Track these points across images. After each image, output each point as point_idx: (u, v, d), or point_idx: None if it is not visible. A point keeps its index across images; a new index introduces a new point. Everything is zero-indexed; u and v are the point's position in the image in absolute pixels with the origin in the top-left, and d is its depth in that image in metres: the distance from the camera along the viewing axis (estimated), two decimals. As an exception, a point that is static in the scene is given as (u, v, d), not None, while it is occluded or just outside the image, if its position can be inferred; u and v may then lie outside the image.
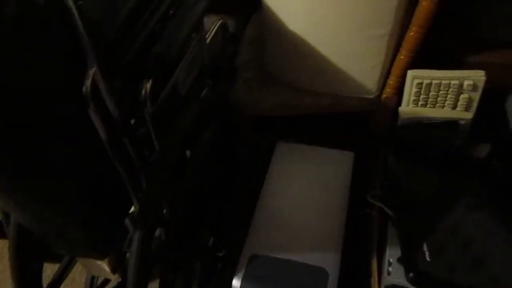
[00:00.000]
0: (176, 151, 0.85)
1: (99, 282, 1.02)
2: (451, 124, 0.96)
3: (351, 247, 0.89)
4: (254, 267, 0.83)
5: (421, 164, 0.94)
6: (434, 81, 0.92)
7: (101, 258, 0.80)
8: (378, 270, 0.85)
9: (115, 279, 0.88)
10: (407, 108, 0.97)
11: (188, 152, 0.95)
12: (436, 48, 1.01)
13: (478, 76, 0.91)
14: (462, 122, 0.96)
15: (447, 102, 0.95)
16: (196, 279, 1.03)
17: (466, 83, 0.91)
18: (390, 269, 0.82)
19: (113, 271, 0.93)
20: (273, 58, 1.11)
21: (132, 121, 0.79)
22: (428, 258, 0.75)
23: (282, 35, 1.01)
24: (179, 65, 0.85)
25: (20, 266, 0.83)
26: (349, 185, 0.97)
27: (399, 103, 0.99)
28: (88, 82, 0.64)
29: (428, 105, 0.96)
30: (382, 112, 1.06)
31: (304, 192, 0.95)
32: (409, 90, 0.95)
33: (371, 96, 1.05)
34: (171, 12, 0.84)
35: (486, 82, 0.91)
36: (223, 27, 1.06)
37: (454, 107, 0.95)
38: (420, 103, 0.96)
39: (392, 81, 1.01)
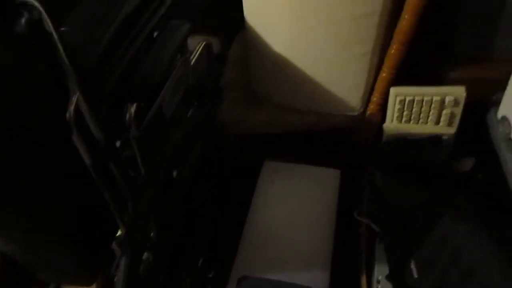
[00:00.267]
0: (162, 173, 0.85)
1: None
2: (434, 139, 0.97)
3: (340, 265, 0.89)
4: (243, 289, 0.83)
5: (407, 179, 0.95)
6: (416, 98, 0.93)
7: (88, 284, 0.79)
8: (367, 287, 0.85)
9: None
10: (391, 124, 0.98)
11: (175, 173, 0.95)
12: (418, 65, 1.02)
13: (459, 92, 0.92)
14: (446, 137, 0.97)
15: (430, 118, 0.96)
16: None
17: (447, 98, 0.93)
18: (379, 286, 0.82)
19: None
20: (257, 77, 1.12)
21: (118, 144, 0.79)
22: (415, 275, 0.76)
23: (265, 54, 1.02)
24: (164, 87, 0.85)
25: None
26: (336, 202, 0.97)
27: (383, 119, 1.00)
28: (72, 108, 0.64)
29: (411, 121, 0.97)
30: (366, 129, 1.07)
31: (292, 211, 0.95)
32: (392, 107, 0.96)
33: (355, 113, 1.06)
34: (155, 34, 0.84)
35: (467, 97, 0.92)
36: (207, 48, 1.06)
37: (437, 122, 0.96)
38: (403, 119, 0.97)
39: (375, 98, 1.02)
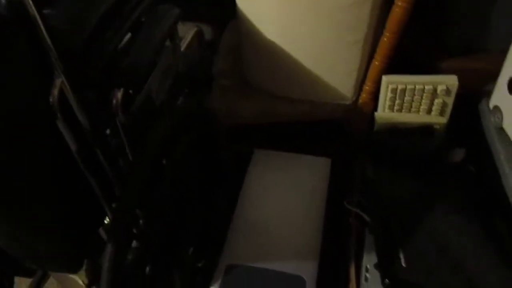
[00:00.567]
0: (151, 161, 0.84)
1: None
2: (426, 129, 0.97)
3: (329, 254, 0.88)
4: (230, 277, 0.82)
5: (397, 169, 0.94)
6: (408, 86, 0.93)
7: (74, 272, 0.78)
8: (356, 276, 0.85)
9: (90, 293, 0.86)
10: (383, 113, 0.98)
11: (164, 161, 0.94)
12: (410, 54, 1.02)
13: (451, 81, 0.92)
14: (437, 126, 0.96)
15: (421, 107, 0.95)
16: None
17: (439, 88, 0.92)
18: (368, 275, 0.82)
19: (90, 284, 0.91)
20: (249, 66, 1.11)
21: (108, 131, 0.78)
22: (404, 264, 0.75)
23: (257, 43, 1.01)
24: (152, 73, 0.84)
25: (-10, 282, 0.81)
26: (326, 191, 0.96)
27: (375, 108, 1.00)
28: (55, 92, 0.63)
29: (403, 110, 0.97)
30: (358, 118, 1.06)
31: (281, 199, 0.95)
32: (384, 96, 0.95)
33: (348, 102, 1.05)
34: (142, 20, 0.83)
35: (459, 87, 0.92)
36: (198, 35, 1.06)
37: (429, 111, 0.96)
38: (395, 108, 0.97)
39: (367, 86, 1.01)
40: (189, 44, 1.00)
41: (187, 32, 1.02)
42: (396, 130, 0.98)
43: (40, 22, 0.59)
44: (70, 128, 0.67)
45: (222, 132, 1.13)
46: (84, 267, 0.80)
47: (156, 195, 0.89)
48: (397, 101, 0.95)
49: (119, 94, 0.72)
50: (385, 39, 0.92)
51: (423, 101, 0.94)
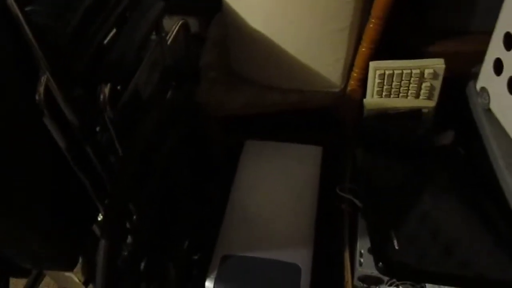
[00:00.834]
0: (140, 155, 0.83)
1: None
2: (415, 113, 0.97)
3: (323, 241, 0.89)
4: (226, 268, 0.83)
5: (388, 154, 0.95)
6: (395, 71, 0.93)
7: (68, 269, 0.78)
8: (350, 262, 0.85)
9: (86, 290, 0.86)
10: (372, 99, 0.98)
11: (155, 155, 0.94)
12: (397, 39, 1.02)
13: (438, 65, 0.92)
14: (426, 110, 0.97)
15: (410, 92, 0.96)
16: (171, 285, 1.02)
17: (427, 71, 0.92)
18: (362, 260, 0.83)
19: (86, 282, 0.91)
20: (237, 57, 1.11)
21: (97, 128, 0.78)
22: (396, 247, 0.76)
23: (244, 34, 1.01)
24: (139, 67, 0.84)
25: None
26: (319, 179, 0.97)
27: (364, 95, 1.00)
28: (41, 89, 0.63)
29: (392, 95, 0.97)
30: (348, 105, 1.07)
31: (274, 188, 0.95)
32: (372, 82, 0.96)
33: (336, 90, 1.06)
34: (127, 14, 0.83)
35: (446, 70, 0.92)
36: (184, 28, 1.05)
37: (417, 96, 0.96)
38: (384, 93, 0.97)
39: (355, 73, 1.02)
40: (175, 37, 1.00)
41: (173, 26, 1.01)
42: (385, 116, 0.98)
43: (22, 19, 0.58)
44: (57, 125, 0.67)
45: (213, 124, 1.13)
46: (79, 264, 0.80)
47: (148, 190, 0.88)
48: (385, 87, 0.96)
49: (106, 90, 0.71)
50: (371, 25, 0.93)
51: (411, 85, 0.95)
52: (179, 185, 1.04)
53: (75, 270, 0.83)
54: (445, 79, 0.94)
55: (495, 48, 0.84)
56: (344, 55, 0.99)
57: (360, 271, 0.82)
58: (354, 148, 0.98)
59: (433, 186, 0.90)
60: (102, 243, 0.71)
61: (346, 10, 0.91)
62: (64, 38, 0.67)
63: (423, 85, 0.94)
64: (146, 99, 0.87)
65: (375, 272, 0.80)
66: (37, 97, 0.62)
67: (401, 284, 0.81)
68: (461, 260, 0.77)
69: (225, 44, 1.13)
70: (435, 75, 0.93)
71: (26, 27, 0.59)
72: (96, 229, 0.84)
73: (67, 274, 0.84)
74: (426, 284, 0.81)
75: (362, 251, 0.83)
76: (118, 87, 0.77)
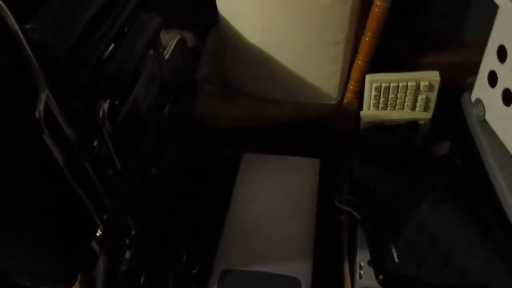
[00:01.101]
0: (140, 170, 0.84)
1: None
2: (411, 125, 0.98)
3: (323, 254, 0.89)
4: (226, 282, 0.82)
5: (385, 165, 0.96)
6: (392, 84, 0.94)
7: (67, 286, 0.78)
8: (350, 274, 0.85)
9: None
10: (368, 111, 0.99)
11: (153, 169, 0.94)
12: (392, 52, 1.03)
13: (433, 77, 0.93)
14: (422, 122, 0.98)
15: (406, 104, 0.97)
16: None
17: (422, 84, 0.93)
18: (362, 272, 0.83)
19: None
20: (233, 70, 1.12)
21: (95, 143, 0.78)
22: (396, 259, 0.76)
23: (240, 47, 1.01)
24: (137, 82, 0.84)
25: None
26: (317, 191, 0.97)
27: (360, 107, 1.01)
28: (41, 107, 0.63)
29: (388, 108, 0.98)
30: (344, 117, 1.07)
31: (272, 202, 0.95)
32: (368, 94, 0.96)
33: (333, 102, 1.06)
34: (125, 30, 0.83)
35: (441, 81, 0.93)
36: (181, 42, 1.06)
37: (413, 108, 0.97)
38: (380, 106, 0.98)
39: (352, 86, 1.02)
40: (172, 52, 1.00)
41: (170, 40, 1.02)
42: (381, 128, 0.99)
43: (22, 36, 0.58)
44: (57, 141, 0.67)
45: (209, 137, 1.13)
46: (78, 281, 0.79)
47: (147, 204, 0.88)
48: (381, 99, 0.97)
49: (106, 105, 0.71)
50: (366, 38, 0.94)
51: (407, 97, 0.96)
52: (177, 198, 1.04)
53: (73, 287, 0.82)
54: (440, 90, 0.95)
55: (490, 61, 0.85)
56: (340, 67, 1.00)
57: (360, 283, 0.82)
58: (351, 160, 0.98)
59: (430, 196, 0.90)
60: (101, 258, 0.71)
61: (342, 24, 0.92)
62: (63, 55, 0.67)
63: (419, 97, 0.95)
64: (144, 113, 0.87)
65: (375, 285, 0.80)
66: (37, 114, 0.62)
67: (401, 296, 0.82)
68: (459, 270, 0.78)
69: (221, 57, 1.14)
70: (430, 87, 0.94)
71: (25, 44, 0.59)
72: (94, 245, 0.84)
73: (66, 291, 0.83)
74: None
75: (362, 264, 0.83)
76: (116, 102, 0.77)
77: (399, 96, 0.96)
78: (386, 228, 0.83)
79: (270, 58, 1.00)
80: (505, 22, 0.79)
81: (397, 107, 0.98)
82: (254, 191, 0.97)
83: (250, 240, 0.88)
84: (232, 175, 1.03)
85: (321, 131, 1.12)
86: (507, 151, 0.83)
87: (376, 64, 0.98)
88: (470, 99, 0.93)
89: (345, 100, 1.06)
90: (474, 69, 0.91)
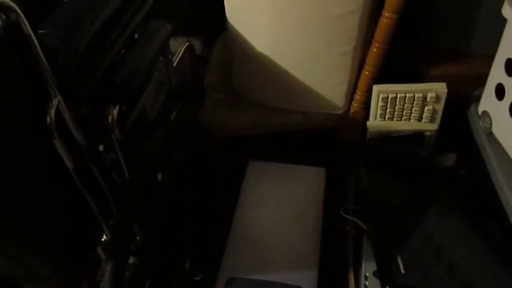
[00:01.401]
0: (147, 175, 0.84)
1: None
2: (417, 136, 0.98)
3: (328, 263, 0.89)
4: (231, 290, 0.82)
5: (391, 176, 0.96)
6: (399, 95, 0.94)
7: (72, 291, 0.77)
8: (355, 285, 0.85)
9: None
10: (375, 122, 0.99)
11: (159, 176, 0.94)
12: (399, 63, 1.04)
13: (440, 88, 0.93)
14: (428, 133, 0.98)
15: (412, 115, 0.97)
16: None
17: (429, 95, 0.94)
18: (367, 283, 0.82)
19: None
20: (240, 78, 1.12)
21: (101, 148, 0.78)
22: (402, 270, 0.76)
23: (248, 55, 1.02)
24: (146, 89, 0.85)
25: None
26: (323, 201, 0.97)
27: (367, 117, 1.01)
28: (52, 112, 0.63)
29: (395, 118, 0.98)
30: (350, 127, 1.07)
31: (278, 210, 0.95)
32: (375, 105, 0.97)
33: (339, 112, 1.07)
34: (135, 36, 0.84)
35: (448, 93, 0.94)
36: (189, 49, 1.06)
37: (420, 119, 0.98)
38: (387, 116, 0.98)
39: (358, 96, 1.03)
40: (180, 58, 1.01)
41: (178, 47, 1.02)
42: (388, 138, 0.99)
43: (35, 41, 0.59)
44: (66, 145, 0.67)
45: (215, 143, 1.13)
46: (82, 286, 0.79)
47: (153, 209, 0.88)
48: (388, 110, 0.97)
49: (115, 111, 0.72)
50: (374, 49, 0.94)
51: (413, 108, 0.96)
52: (183, 204, 1.04)
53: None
54: (447, 102, 0.95)
55: (497, 73, 0.85)
56: (348, 78, 1.00)
57: (365, 294, 0.82)
58: (357, 170, 0.98)
59: (436, 207, 0.90)
60: (107, 264, 0.71)
61: (350, 34, 0.93)
62: (74, 60, 0.67)
63: (426, 108, 0.96)
64: (153, 119, 0.88)
65: (380, 296, 0.79)
66: (48, 120, 0.62)
67: (407, 307, 0.81)
68: (465, 282, 0.77)
69: (228, 64, 1.14)
70: (437, 99, 0.94)
71: (39, 49, 0.60)
72: (100, 250, 0.84)
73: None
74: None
75: (367, 274, 0.83)
76: (124, 107, 0.78)
77: (406, 107, 0.96)
78: (392, 238, 0.82)
79: (277, 66, 1.00)
80: (514, 36, 0.79)
81: (403, 118, 0.98)
82: (259, 199, 0.97)
83: (256, 248, 0.88)
84: (238, 182, 1.03)
85: (327, 140, 1.12)
86: (514, 163, 0.83)
87: (384, 75, 0.98)
88: (477, 111, 0.93)
89: (352, 110, 1.06)
90: (481, 82, 0.91)
